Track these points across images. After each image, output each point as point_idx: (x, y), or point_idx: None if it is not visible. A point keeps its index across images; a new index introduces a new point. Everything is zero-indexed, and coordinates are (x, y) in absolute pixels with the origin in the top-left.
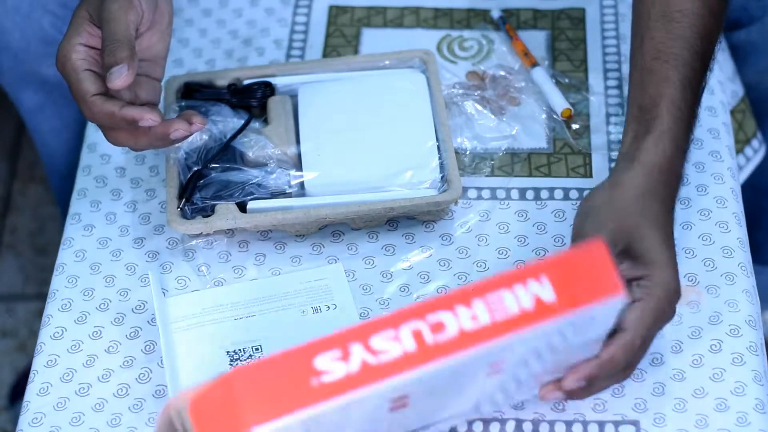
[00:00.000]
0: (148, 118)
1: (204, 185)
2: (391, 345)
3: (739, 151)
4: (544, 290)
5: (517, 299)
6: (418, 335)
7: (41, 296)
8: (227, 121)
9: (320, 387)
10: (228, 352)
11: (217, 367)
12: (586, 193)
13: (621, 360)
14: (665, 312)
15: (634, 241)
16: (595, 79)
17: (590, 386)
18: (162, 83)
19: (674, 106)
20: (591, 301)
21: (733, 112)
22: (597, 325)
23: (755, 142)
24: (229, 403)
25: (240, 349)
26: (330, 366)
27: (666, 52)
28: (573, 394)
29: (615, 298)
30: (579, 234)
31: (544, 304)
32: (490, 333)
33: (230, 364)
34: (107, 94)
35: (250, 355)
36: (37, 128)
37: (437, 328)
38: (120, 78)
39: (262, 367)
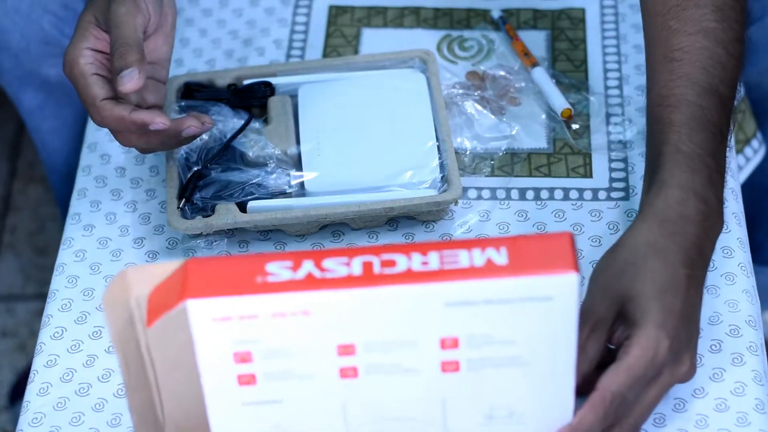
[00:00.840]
0: (159, 122)
1: (204, 185)
2: (340, 267)
3: (739, 151)
4: (499, 256)
5: (471, 257)
6: (367, 265)
7: (41, 296)
8: (227, 121)
9: (263, 284)
10: None
11: None
12: (586, 193)
13: (593, 422)
14: (646, 371)
15: (626, 301)
16: (595, 79)
17: None
18: None
19: (678, 151)
20: (540, 272)
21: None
22: (544, 324)
23: (755, 142)
24: (178, 283)
25: None
26: (278, 271)
27: (668, 96)
28: None
29: (565, 276)
30: (588, 296)
31: (494, 265)
32: (436, 276)
33: None
34: (116, 97)
35: None
36: (37, 128)
37: (388, 264)
38: (132, 81)
39: (218, 261)
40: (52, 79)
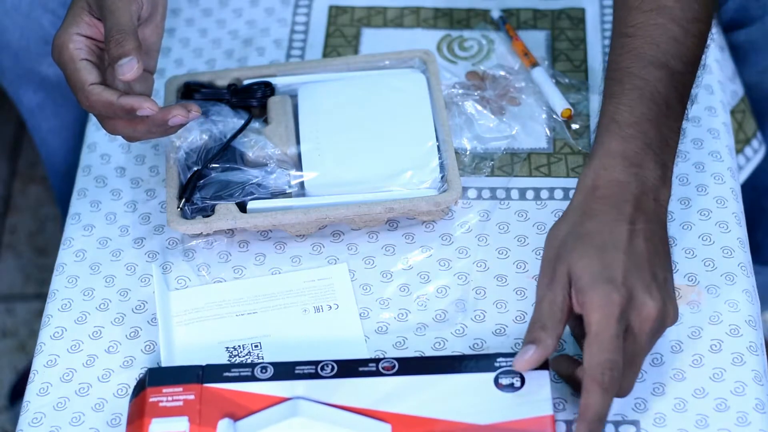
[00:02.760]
0: (147, 107)
1: (204, 185)
2: None
3: (739, 151)
4: None
5: None
6: None
7: (41, 296)
8: (227, 121)
9: None
10: (227, 348)
11: (216, 362)
12: None
13: (596, 402)
14: (615, 327)
15: (572, 269)
16: (595, 79)
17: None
18: (163, 83)
19: (612, 121)
20: None
21: (733, 112)
22: None
23: (755, 142)
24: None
25: (239, 346)
26: None
27: (615, 70)
28: None
29: None
30: (541, 275)
31: None
32: None
33: (229, 360)
34: (104, 83)
35: (249, 352)
36: (37, 128)
37: None
38: (132, 70)
39: None
40: (51, 78)
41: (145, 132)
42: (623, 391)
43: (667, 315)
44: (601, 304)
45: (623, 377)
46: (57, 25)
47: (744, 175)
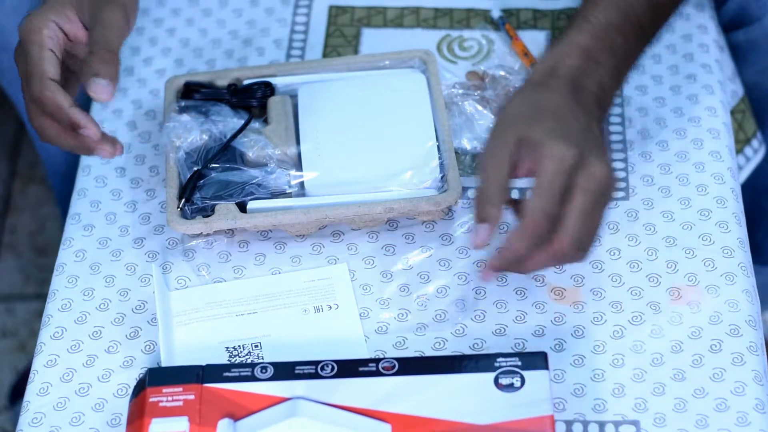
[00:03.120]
0: (90, 131)
1: (204, 185)
2: None
3: (739, 151)
4: None
5: None
6: None
7: (41, 296)
8: (227, 121)
9: None
10: (227, 348)
11: (216, 362)
12: None
13: (522, 237)
14: (561, 180)
15: (526, 133)
16: None
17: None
18: (163, 83)
19: (585, 20)
20: None
21: (732, 112)
22: None
23: (755, 142)
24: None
25: (239, 346)
26: None
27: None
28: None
29: None
30: (490, 141)
31: None
32: None
33: (229, 360)
34: (58, 81)
35: (249, 352)
36: None
37: None
38: (106, 94)
39: None
40: None
41: (69, 146)
42: (575, 253)
43: (614, 183)
44: (554, 155)
45: (578, 236)
46: None
47: (744, 175)
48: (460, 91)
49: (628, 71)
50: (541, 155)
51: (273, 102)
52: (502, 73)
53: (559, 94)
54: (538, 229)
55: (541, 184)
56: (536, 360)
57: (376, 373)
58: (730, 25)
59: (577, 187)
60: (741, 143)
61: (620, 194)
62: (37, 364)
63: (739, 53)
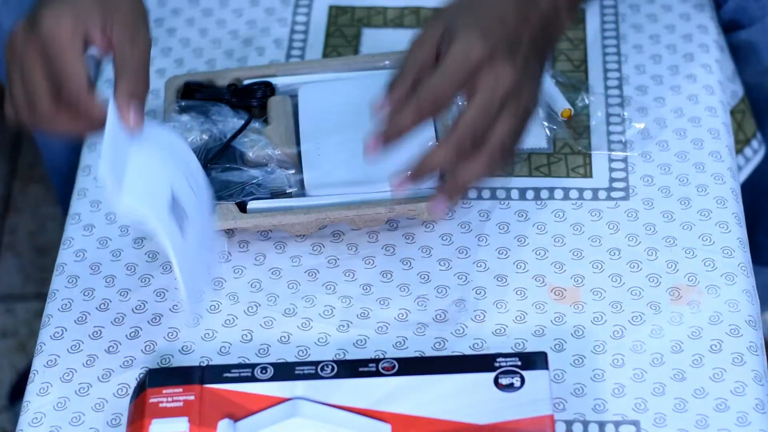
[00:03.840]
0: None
1: None
2: None
3: (739, 151)
4: None
5: None
6: None
7: (41, 296)
8: (227, 121)
9: None
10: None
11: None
12: (586, 193)
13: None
14: (463, 71)
15: (447, 31)
16: (595, 79)
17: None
18: (163, 83)
19: None
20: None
21: (732, 113)
22: None
23: (755, 143)
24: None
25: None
26: None
27: None
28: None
29: None
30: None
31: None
32: None
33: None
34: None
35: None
36: None
37: None
38: (139, 115)
39: None
40: None
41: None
42: (471, 155)
43: (523, 90)
44: (462, 47)
45: (468, 133)
46: None
47: (744, 175)
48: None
49: (583, 3)
50: (450, 44)
51: (273, 102)
52: None
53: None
54: (424, 110)
55: (442, 71)
56: (536, 360)
57: (376, 374)
58: (730, 26)
59: (478, 85)
60: (741, 144)
61: (620, 194)
62: (37, 364)
63: (739, 54)
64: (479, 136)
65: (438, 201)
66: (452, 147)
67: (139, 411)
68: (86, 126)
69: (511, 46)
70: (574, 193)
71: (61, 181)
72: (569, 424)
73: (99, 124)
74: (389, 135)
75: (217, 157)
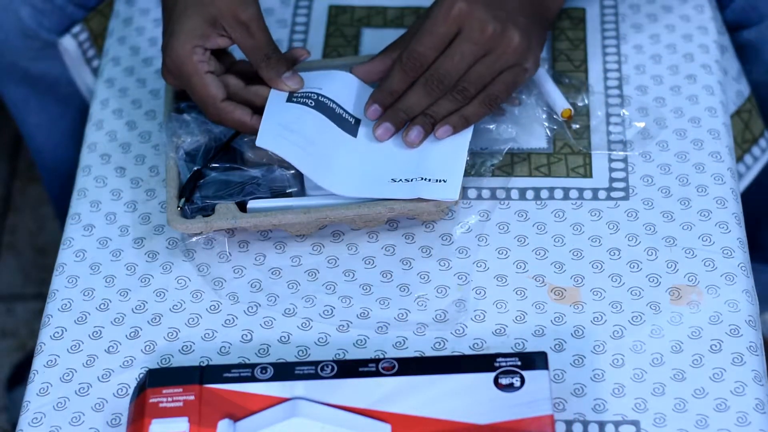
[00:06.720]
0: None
1: (204, 185)
2: None
3: (746, 150)
4: None
5: None
6: None
7: (41, 296)
8: None
9: None
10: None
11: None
12: (586, 193)
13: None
14: (445, 28)
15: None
16: (595, 79)
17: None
18: (163, 83)
19: None
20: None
21: (739, 112)
22: None
23: (762, 141)
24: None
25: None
26: None
27: None
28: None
29: None
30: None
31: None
32: None
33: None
34: (229, 97)
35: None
36: (24, 122)
37: None
38: (293, 81)
39: None
40: (33, 72)
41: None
42: (451, 94)
43: (528, 55)
44: (441, 8)
45: (445, 74)
46: (36, 18)
47: (751, 174)
48: None
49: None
50: (431, 7)
51: None
52: None
53: None
54: (407, 69)
55: (421, 31)
56: (536, 360)
57: (376, 374)
58: (738, 24)
59: (462, 33)
60: (748, 143)
61: (620, 194)
62: (37, 364)
63: (746, 52)
64: (452, 78)
65: (385, 127)
66: (422, 83)
67: (139, 411)
68: (242, 119)
69: (492, 2)
70: (574, 193)
71: (51, 177)
72: (569, 424)
73: (252, 128)
74: (382, 98)
75: (217, 157)
